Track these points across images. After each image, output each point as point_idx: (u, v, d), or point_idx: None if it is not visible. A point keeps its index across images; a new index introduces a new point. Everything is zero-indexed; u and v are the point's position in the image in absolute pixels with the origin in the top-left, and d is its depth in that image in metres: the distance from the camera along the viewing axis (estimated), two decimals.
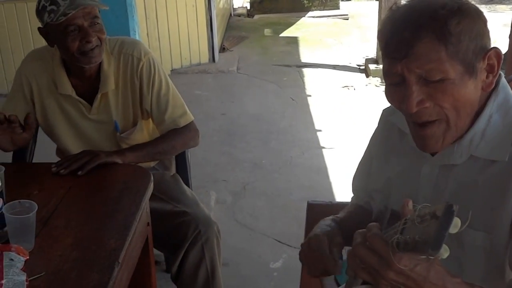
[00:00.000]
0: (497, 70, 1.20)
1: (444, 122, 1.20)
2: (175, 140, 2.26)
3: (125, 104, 2.23)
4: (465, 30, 1.13)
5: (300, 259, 1.49)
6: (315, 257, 1.41)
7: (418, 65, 1.15)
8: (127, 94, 2.22)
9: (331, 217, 1.53)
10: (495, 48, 1.19)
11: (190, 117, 2.31)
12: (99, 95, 2.18)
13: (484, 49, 1.17)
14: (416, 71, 1.15)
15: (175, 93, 2.29)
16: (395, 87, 1.22)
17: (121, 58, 2.20)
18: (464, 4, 1.17)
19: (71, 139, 2.28)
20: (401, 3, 1.25)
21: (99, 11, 2.09)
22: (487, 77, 1.20)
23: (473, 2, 1.20)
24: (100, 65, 2.15)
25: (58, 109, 2.24)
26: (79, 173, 1.98)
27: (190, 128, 2.30)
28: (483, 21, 1.18)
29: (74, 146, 2.28)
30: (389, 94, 1.26)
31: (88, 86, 2.19)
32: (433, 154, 1.31)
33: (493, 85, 1.21)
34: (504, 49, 6.74)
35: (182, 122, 2.27)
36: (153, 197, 1.99)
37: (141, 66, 2.19)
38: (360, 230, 1.12)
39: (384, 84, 1.28)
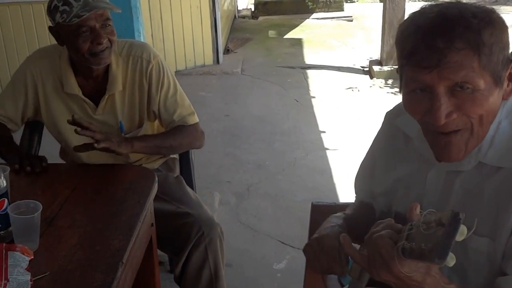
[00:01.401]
0: None
1: (468, 130, 1.18)
2: (182, 138, 2.28)
3: (132, 106, 2.23)
4: (496, 41, 1.12)
5: (305, 253, 1.47)
6: (323, 257, 1.40)
7: (450, 75, 1.11)
8: (134, 96, 2.22)
9: (339, 213, 1.53)
10: None
11: (197, 118, 2.33)
12: (106, 96, 2.18)
13: (509, 59, 1.16)
14: (447, 81, 1.12)
15: (182, 94, 2.31)
16: (418, 96, 1.18)
17: (129, 60, 2.20)
18: (493, 13, 1.15)
19: (75, 138, 2.28)
20: (423, 7, 1.20)
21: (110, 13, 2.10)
22: (508, 85, 1.19)
23: (478, 3, 1.20)
24: (108, 66, 2.16)
25: (63, 108, 2.23)
26: (95, 145, 1.99)
27: (197, 128, 2.32)
28: (507, 30, 1.17)
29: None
30: (409, 104, 1.22)
31: (95, 87, 2.19)
32: (439, 160, 1.29)
33: None
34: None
35: (190, 121, 2.29)
36: (156, 198, 1.99)
37: (151, 68, 2.20)
38: (381, 221, 1.14)
39: (403, 92, 1.23)
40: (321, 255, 1.40)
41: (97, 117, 2.23)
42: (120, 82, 2.18)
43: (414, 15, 1.18)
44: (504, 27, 1.16)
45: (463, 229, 0.94)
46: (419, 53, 1.13)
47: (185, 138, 2.28)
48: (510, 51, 1.17)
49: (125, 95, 2.22)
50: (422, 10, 1.18)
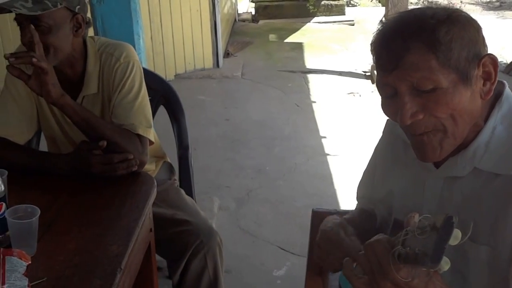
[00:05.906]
0: (495, 77, 1.19)
1: (440, 131, 1.19)
2: (122, 139, 1.98)
3: (107, 108, 2.11)
4: (455, 38, 1.13)
5: (315, 257, 1.46)
6: (334, 249, 1.40)
7: (408, 75, 1.14)
8: (109, 97, 2.10)
9: (335, 216, 1.53)
10: (489, 54, 1.18)
11: (151, 136, 2.08)
12: (79, 98, 2.08)
13: (478, 56, 1.16)
14: (406, 81, 1.15)
15: (143, 105, 2.09)
16: (389, 99, 1.22)
17: (102, 58, 2.10)
18: (453, 12, 1.17)
19: (60, 139, 2.20)
20: (394, 15, 1.24)
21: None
22: (484, 84, 1.19)
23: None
24: (85, 67, 2.07)
25: (48, 110, 2.16)
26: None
27: (142, 142, 2.03)
28: (476, 28, 1.17)
29: (63, 147, 2.20)
30: (384, 107, 1.26)
31: (73, 89, 2.06)
32: (437, 166, 1.30)
33: (492, 93, 1.20)
34: None
35: (140, 132, 2.04)
36: (154, 204, 1.97)
37: (117, 66, 2.07)
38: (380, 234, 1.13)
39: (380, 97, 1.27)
40: (331, 249, 1.40)
41: None
42: (95, 83, 2.08)
43: (382, 23, 1.23)
44: (468, 24, 1.16)
45: (457, 233, 0.94)
46: (382, 58, 1.19)
47: (123, 141, 1.98)
48: (479, 49, 1.17)
49: (99, 96, 2.11)
50: (389, 19, 1.23)
